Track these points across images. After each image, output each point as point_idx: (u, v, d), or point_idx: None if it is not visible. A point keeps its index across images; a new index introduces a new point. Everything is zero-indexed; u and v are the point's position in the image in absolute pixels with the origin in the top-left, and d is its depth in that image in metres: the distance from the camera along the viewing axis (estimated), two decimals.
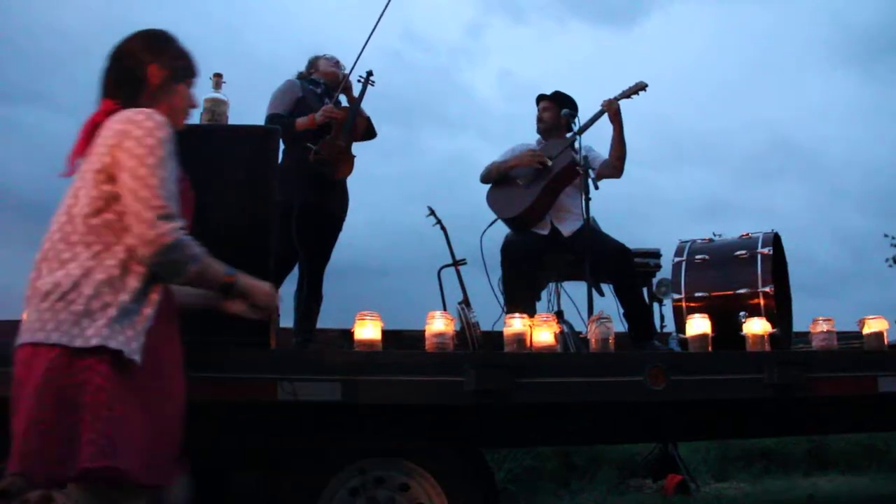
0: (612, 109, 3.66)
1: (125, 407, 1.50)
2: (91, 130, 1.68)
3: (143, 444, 1.52)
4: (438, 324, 2.55)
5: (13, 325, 2.51)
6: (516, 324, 2.62)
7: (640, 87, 3.66)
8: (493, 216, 3.80)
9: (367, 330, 2.49)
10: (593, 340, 2.70)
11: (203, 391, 1.97)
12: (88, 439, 1.45)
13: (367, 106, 3.93)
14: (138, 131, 1.61)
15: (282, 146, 3.54)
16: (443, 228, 3.99)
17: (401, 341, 3.26)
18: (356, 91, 3.89)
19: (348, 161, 3.81)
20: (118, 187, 1.59)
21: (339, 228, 3.92)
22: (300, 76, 4.01)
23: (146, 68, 1.75)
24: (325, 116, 3.70)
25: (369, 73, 3.90)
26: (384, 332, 2.53)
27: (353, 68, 3.84)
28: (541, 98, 3.96)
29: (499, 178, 3.84)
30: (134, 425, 1.51)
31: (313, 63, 4.06)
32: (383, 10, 3.66)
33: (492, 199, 3.84)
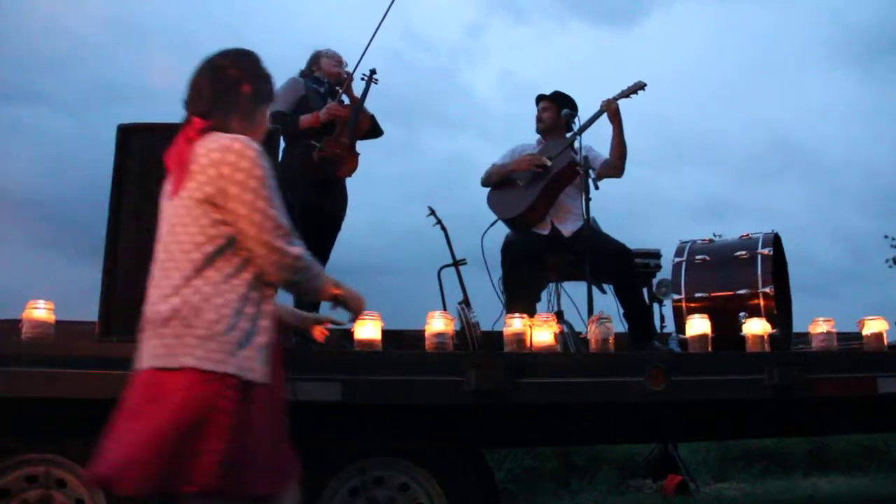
0: (610, 109, 3.66)
1: (250, 428, 1.55)
2: (185, 148, 1.66)
3: (264, 462, 1.58)
4: (438, 324, 2.56)
5: (13, 325, 2.53)
6: (516, 324, 2.62)
7: (638, 87, 3.66)
8: (494, 217, 3.81)
9: (367, 330, 2.50)
10: (593, 340, 2.70)
11: None
12: (214, 460, 1.49)
13: (368, 105, 3.93)
14: (244, 162, 1.61)
15: (282, 144, 3.53)
16: (443, 228, 3.99)
17: (401, 341, 3.25)
18: (359, 89, 3.89)
19: (352, 159, 3.81)
20: (228, 216, 1.61)
21: (338, 228, 3.92)
22: (302, 74, 4.00)
23: (240, 88, 1.74)
24: (329, 114, 3.70)
25: (372, 72, 3.90)
26: (384, 332, 2.53)
27: (355, 68, 3.84)
28: (540, 98, 3.95)
29: (499, 179, 3.84)
30: (256, 445, 1.56)
31: (315, 59, 4.03)
32: (386, 11, 3.66)
33: (492, 200, 3.84)
